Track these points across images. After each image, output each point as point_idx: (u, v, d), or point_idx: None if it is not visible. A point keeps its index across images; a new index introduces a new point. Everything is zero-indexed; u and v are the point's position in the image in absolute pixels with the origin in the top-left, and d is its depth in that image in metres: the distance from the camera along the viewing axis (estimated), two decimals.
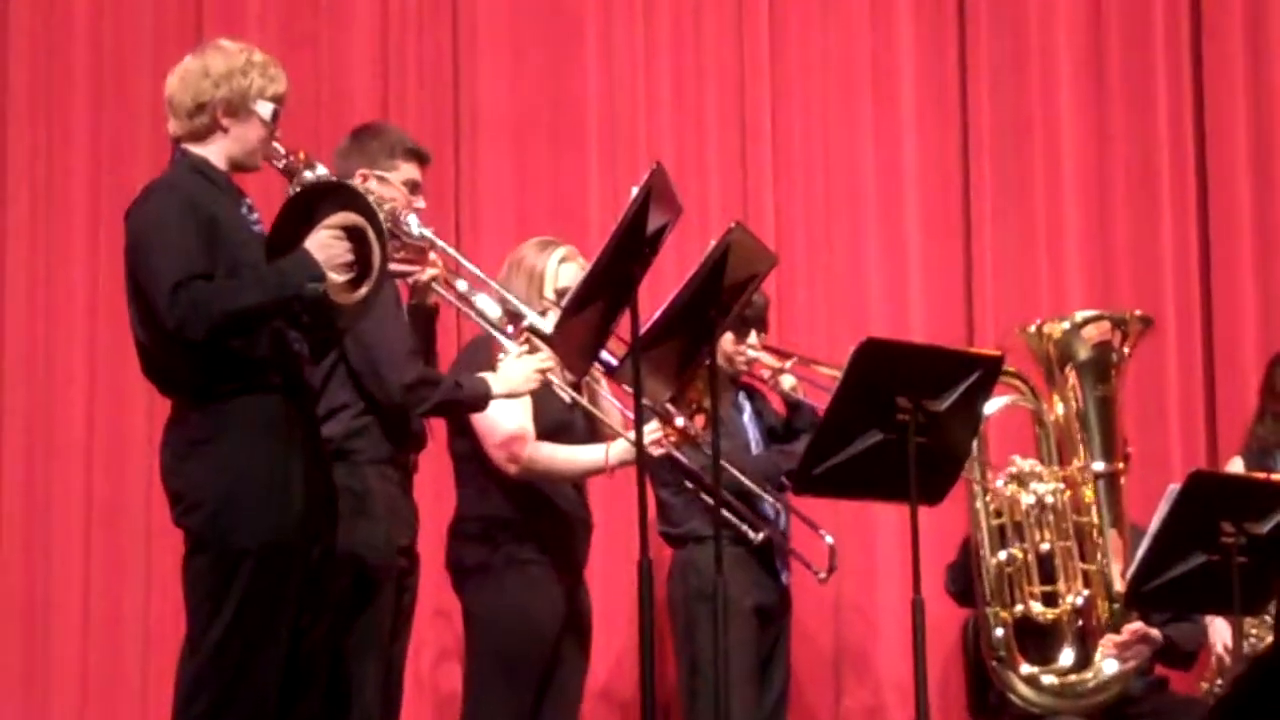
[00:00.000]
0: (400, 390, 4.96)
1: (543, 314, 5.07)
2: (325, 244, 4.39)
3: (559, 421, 5.39)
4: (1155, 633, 5.75)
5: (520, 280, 5.40)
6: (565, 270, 5.45)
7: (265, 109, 4.58)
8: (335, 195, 4.49)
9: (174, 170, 4.59)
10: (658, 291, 4.92)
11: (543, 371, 5.09)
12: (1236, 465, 6.15)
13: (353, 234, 4.41)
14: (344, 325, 4.55)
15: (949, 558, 5.97)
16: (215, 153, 4.57)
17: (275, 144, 4.62)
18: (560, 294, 5.35)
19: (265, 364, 4.47)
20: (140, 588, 6.63)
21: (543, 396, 5.27)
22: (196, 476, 4.42)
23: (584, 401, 5.30)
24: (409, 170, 5.17)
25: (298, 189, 4.56)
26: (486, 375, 5.06)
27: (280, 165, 4.63)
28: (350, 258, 4.40)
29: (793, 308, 6.66)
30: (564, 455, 5.35)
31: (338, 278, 4.39)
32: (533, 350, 5.06)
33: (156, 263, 4.38)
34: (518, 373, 5.08)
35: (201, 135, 4.58)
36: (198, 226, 4.41)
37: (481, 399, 5.06)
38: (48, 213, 6.87)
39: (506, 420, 5.29)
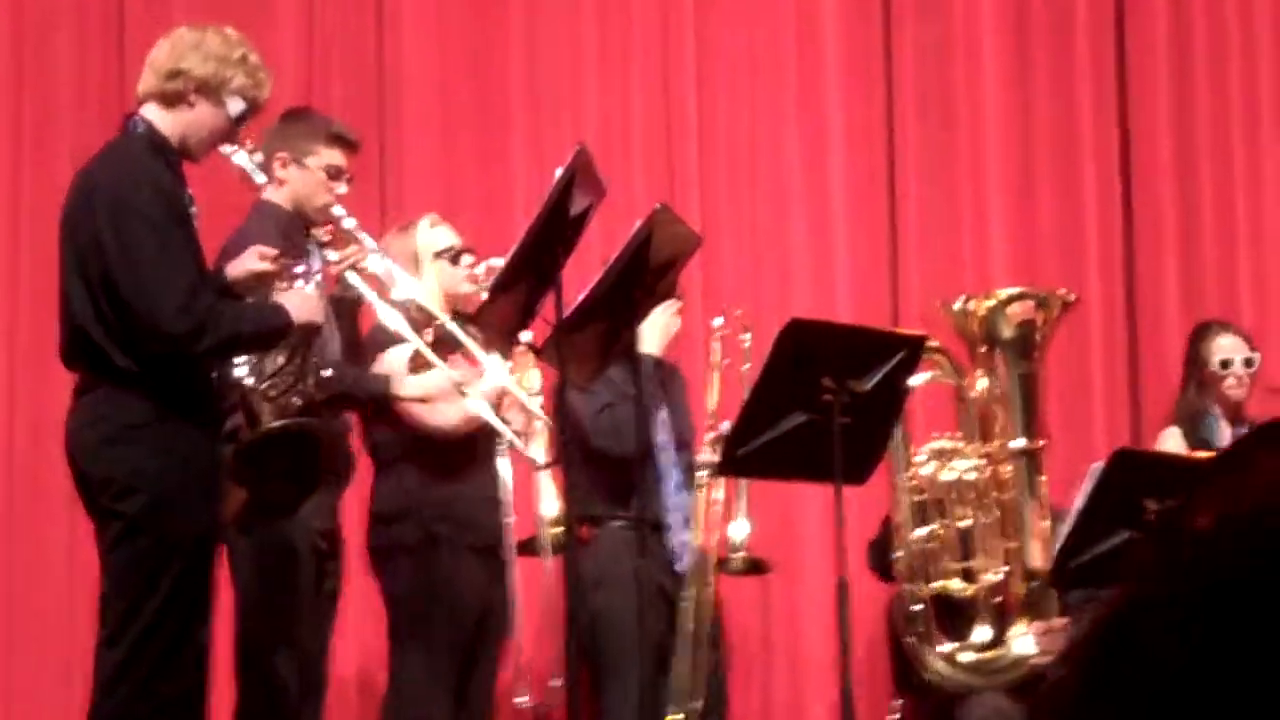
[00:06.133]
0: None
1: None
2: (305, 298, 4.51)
3: None
4: None
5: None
6: (438, 234, 5.48)
7: (235, 105, 4.53)
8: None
9: (134, 144, 4.49)
10: (585, 273, 4.91)
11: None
12: (1174, 434, 6.14)
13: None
14: None
15: (874, 536, 5.98)
16: (172, 124, 4.50)
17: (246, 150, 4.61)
18: (442, 253, 5.39)
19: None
20: (63, 570, 6.58)
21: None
22: (132, 461, 4.33)
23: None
24: (330, 155, 5.13)
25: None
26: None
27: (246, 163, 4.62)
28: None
29: (718, 287, 6.66)
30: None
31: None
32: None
33: (160, 266, 4.32)
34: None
35: (169, 101, 4.51)
36: (182, 224, 4.39)
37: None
38: None
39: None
